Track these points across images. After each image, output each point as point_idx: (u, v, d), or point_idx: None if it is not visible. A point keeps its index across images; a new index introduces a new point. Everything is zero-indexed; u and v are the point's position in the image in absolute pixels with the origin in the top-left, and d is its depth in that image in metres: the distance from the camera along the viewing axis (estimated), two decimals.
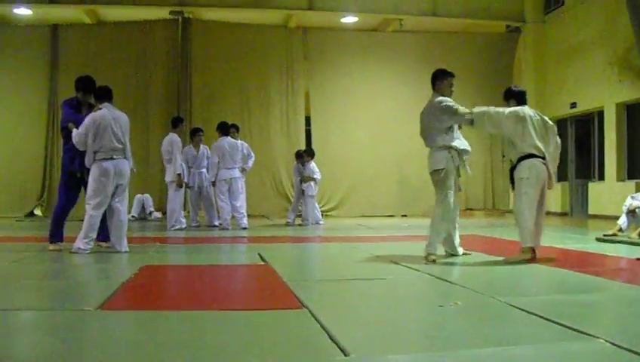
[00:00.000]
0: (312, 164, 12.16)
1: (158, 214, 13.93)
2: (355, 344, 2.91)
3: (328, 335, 3.08)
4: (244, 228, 10.56)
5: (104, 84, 7.08)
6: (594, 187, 14.50)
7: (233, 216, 10.83)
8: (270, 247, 7.77)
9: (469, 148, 6.36)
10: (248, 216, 11.23)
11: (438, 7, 15.52)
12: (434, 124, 6.21)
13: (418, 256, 6.23)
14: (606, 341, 2.92)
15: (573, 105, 14.89)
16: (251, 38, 15.57)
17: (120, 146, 6.79)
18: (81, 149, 6.72)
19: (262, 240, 8.94)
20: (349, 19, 15.78)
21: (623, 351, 2.78)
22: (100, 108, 6.77)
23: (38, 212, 14.44)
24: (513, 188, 6.27)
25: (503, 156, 16.38)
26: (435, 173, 6.24)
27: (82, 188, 7.06)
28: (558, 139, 6.31)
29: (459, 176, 6.36)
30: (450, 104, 6.15)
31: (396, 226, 11.91)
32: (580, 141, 15.25)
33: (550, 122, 6.33)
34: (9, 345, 3.03)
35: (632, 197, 8.68)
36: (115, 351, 2.93)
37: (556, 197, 15.19)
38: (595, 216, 13.88)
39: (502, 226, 11.51)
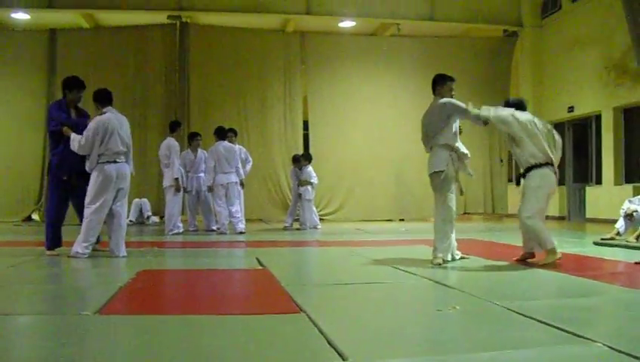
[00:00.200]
0: (310, 169, 12.16)
1: (156, 218, 13.93)
2: (353, 348, 2.91)
3: (326, 339, 3.07)
4: (241, 233, 10.55)
5: (102, 88, 7.07)
6: (591, 191, 14.52)
7: (230, 221, 10.82)
8: (268, 252, 7.75)
9: (468, 153, 6.38)
10: (246, 220, 11.22)
11: (436, 11, 15.56)
12: (437, 125, 6.20)
13: (416, 259, 6.23)
14: (604, 344, 2.93)
15: (571, 109, 14.93)
16: (249, 42, 15.57)
17: (124, 150, 6.80)
18: (82, 154, 6.67)
19: (260, 245, 8.92)
20: (347, 24, 15.80)
21: (621, 355, 2.78)
22: (105, 112, 6.78)
23: (35, 217, 14.41)
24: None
25: (501, 160, 16.42)
26: (435, 175, 6.23)
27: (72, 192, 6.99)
28: (558, 138, 6.36)
29: (457, 180, 6.36)
30: (459, 103, 6.20)
31: (394, 230, 11.91)
32: (578, 145, 15.29)
33: (548, 124, 6.41)
34: (7, 349, 3.02)
35: (630, 201, 8.68)
36: (113, 356, 2.93)
37: (554, 200, 15.03)
38: (592, 220, 13.91)
39: (500, 230, 11.51)
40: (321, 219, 13.17)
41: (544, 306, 4.10)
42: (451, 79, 6.41)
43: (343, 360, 2.75)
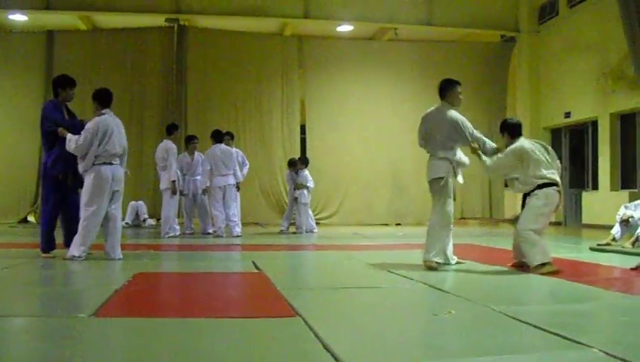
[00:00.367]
0: (306, 172, 12.15)
1: (152, 221, 13.90)
2: (349, 352, 2.91)
3: (322, 343, 3.07)
4: (237, 236, 10.53)
5: (104, 88, 7.06)
6: (588, 196, 14.54)
7: (227, 224, 10.80)
8: (264, 255, 7.74)
9: (467, 161, 6.39)
10: (242, 223, 11.20)
11: (434, 16, 15.58)
12: (444, 140, 6.20)
13: (413, 264, 6.22)
14: (600, 350, 2.93)
15: (568, 114, 14.96)
16: (247, 46, 15.58)
17: (121, 152, 6.80)
18: (78, 154, 6.64)
19: (256, 248, 8.92)
20: (345, 28, 15.83)
21: (617, 361, 2.78)
22: (103, 114, 6.77)
23: (31, 218, 14.38)
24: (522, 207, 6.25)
25: None
26: (434, 181, 6.24)
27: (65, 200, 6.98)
28: (559, 163, 6.37)
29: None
30: (468, 132, 6.21)
31: (391, 235, 11.91)
32: (574, 151, 15.31)
33: (549, 147, 6.39)
34: (2, 351, 3.01)
35: (626, 207, 8.70)
36: (109, 358, 2.92)
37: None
38: (588, 226, 13.92)
39: (497, 236, 11.51)
40: (317, 223, 13.16)
41: (540, 311, 4.11)
42: (458, 83, 6.44)
43: None
